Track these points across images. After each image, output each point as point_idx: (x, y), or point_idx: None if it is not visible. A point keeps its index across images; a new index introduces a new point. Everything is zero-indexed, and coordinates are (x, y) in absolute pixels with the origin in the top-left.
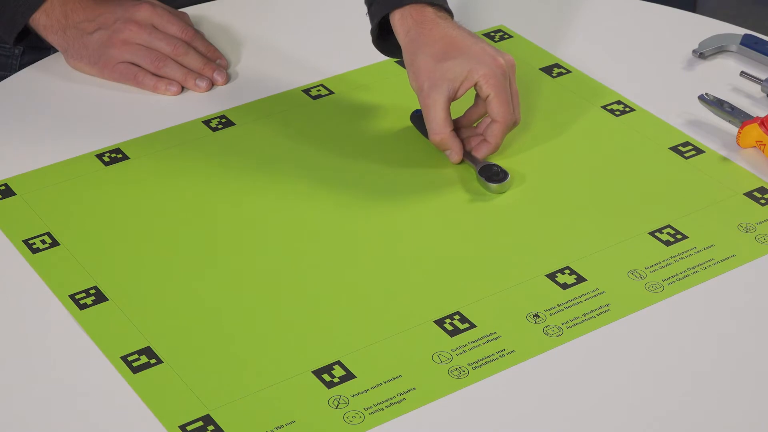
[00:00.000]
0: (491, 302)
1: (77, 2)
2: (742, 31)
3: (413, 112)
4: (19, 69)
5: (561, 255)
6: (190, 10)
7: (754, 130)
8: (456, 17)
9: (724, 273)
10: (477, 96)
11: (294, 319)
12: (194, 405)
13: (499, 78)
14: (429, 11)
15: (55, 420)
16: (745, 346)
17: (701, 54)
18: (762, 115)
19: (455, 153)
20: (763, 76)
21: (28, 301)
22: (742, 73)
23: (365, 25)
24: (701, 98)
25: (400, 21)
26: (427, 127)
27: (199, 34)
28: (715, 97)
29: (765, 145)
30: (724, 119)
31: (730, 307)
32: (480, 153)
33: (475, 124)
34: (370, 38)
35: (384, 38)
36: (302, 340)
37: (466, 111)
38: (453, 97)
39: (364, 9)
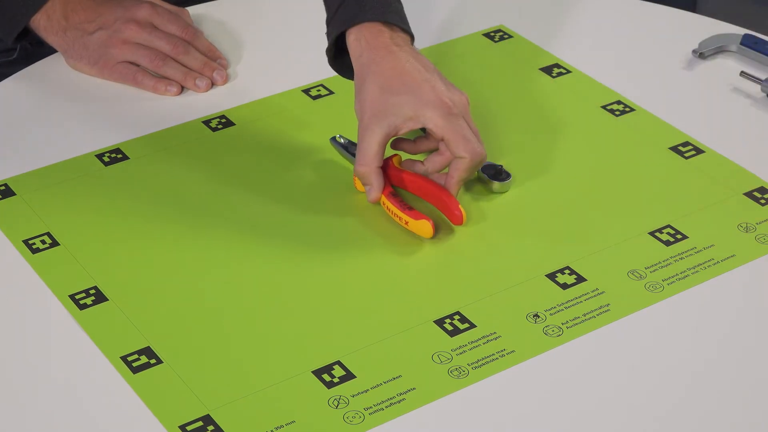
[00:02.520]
0: (491, 302)
1: (78, 3)
2: (742, 31)
3: (332, 138)
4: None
5: (561, 255)
6: (191, 10)
7: None
8: (456, 17)
9: (724, 273)
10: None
11: (294, 319)
12: (194, 405)
13: (448, 119)
14: (385, 35)
15: (55, 420)
16: (745, 346)
17: (701, 54)
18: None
19: (374, 190)
20: (763, 76)
21: (28, 301)
22: (742, 73)
23: None
24: (332, 141)
25: (354, 43)
26: (356, 156)
27: (199, 33)
28: (347, 140)
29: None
30: (349, 161)
31: (730, 307)
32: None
33: (421, 158)
34: None
35: (341, 58)
36: (302, 340)
37: (416, 139)
38: (392, 134)
39: None
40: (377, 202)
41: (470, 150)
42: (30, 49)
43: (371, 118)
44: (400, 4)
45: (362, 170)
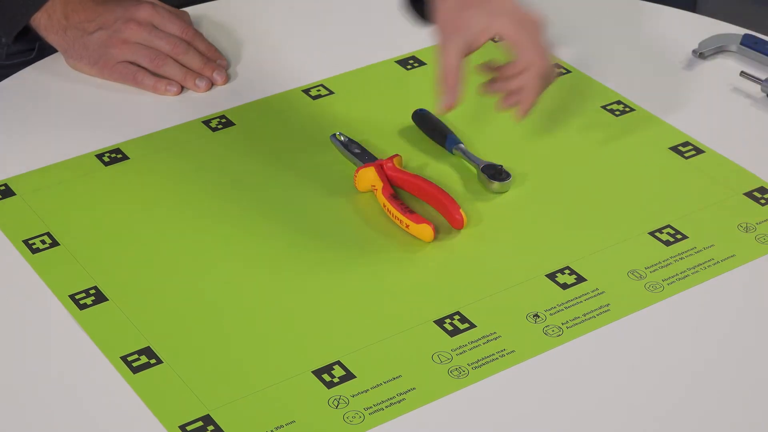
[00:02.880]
0: (491, 302)
1: (78, 3)
2: (742, 31)
3: (414, 111)
4: (6, 58)
5: (561, 255)
6: (191, 10)
7: (369, 173)
8: None
9: (724, 273)
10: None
11: (294, 319)
12: (194, 405)
13: (520, 26)
14: None
15: (55, 420)
16: (745, 346)
17: (701, 54)
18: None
19: (451, 96)
20: (763, 76)
21: (28, 301)
22: (742, 73)
23: (365, 26)
24: (332, 138)
25: None
26: (438, 71)
27: (199, 33)
28: (348, 138)
29: (377, 189)
30: (349, 160)
31: (730, 307)
32: (519, 111)
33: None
34: (370, 39)
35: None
36: (302, 340)
37: (503, 66)
38: (469, 48)
39: (362, 10)
40: (448, 111)
41: (540, 55)
42: (48, 46)
43: (448, 35)
44: None
45: (443, 72)
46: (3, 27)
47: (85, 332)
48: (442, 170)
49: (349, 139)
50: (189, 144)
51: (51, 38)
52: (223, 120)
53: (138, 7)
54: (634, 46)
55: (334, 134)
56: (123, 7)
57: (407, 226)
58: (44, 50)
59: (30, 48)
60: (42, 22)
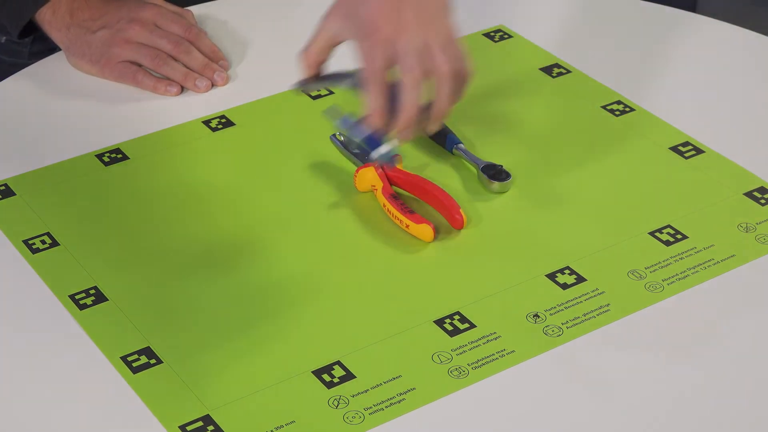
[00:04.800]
0: (491, 302)
1: (83, 1)
2: (741, 31)
3: (332, 135)
4: (29, 57)
5: (561, 255)
6: (195, 9)
7: (369, 173)
8: (456, 17)
9: (724, 273)
10: None
11: (294, 319)
12: (194, 405)
13: (364, 41)
14: None
15: (55, 420)
16: (745, 346)
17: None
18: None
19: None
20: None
21: (28, 301)
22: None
23: None
24: (332, 138)
25: None
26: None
27: (202, 33)
28: (347, 138)
29: (377, 189)
30: (349, 160)
31: (729, 307)
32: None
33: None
34: None
35: None
36: (302, 340)
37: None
38: (336, 40)
39: None
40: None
41: (365, 70)
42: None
43: (331, 13)
44: None
45: (303, 56)
46: (9, 21)
47: (85, 332)
48: (442, 170)
49: (349, 139)
50: (189, 144)
51: (54, 35)
52: (223, 120)
53: (142, 7)
54: (634, 46)
55: (334, 134)
56: (127, 6)
57: (407, 226)
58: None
59: (52, 48)
60: (46, 17)
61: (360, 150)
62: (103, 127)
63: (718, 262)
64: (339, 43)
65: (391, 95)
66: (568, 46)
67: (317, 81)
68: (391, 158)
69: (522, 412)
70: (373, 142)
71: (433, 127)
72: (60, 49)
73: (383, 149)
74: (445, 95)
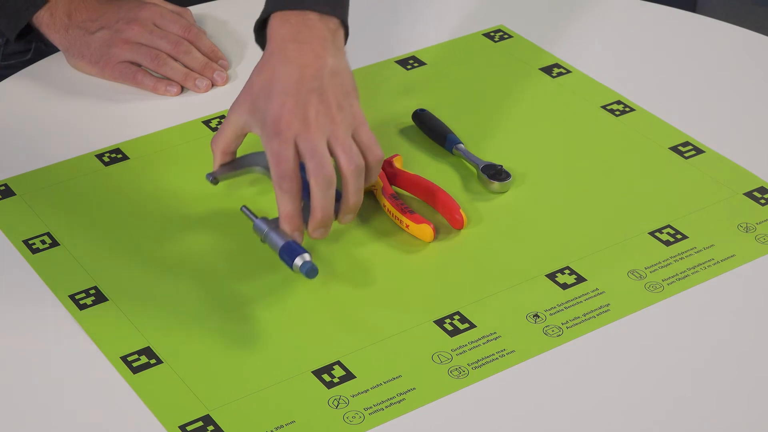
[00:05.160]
0: (491, 302)
1: (81, 2)
2: (741, 31)
3: (414, 111)
4: (2, 59)
5: (561, 255)
6: (193, 9)
7: None
8: (456, 17)
9: (724, 273)
10: None
11: (294, 319)
12: (194, 405)
13: (269, 138)
14: (317, 25)
15: (55, 420)
16: (745, 346)
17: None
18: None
19: (214, 164)
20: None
21: (28, 301)
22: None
23: (365, 26)
24: None
25: (278, 22)
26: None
27: (201, 32)
28: None
29: (377, 189)
30: None
31: (729, 306)
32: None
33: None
34: (370, 39)
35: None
36: (302, 340)
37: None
38: (244, 131)
39: (362, 10)
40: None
41: (273, 173)
42: (43, 50)
43: (238, 104)
44: None
45: (212, 144)
46: (6, 24)
47: (85, 332)
48: (442, 170)
49: None
50: (189, 144)
51: (53, 37)
52: (223, 120)
53: (141, 7)
54: (634, 46)
55: None
56: (126, 7)
57: (407, 226)
58: (41, 51)
59: (27, 49)
60: (45, 19)
61: None
62: (103, 127)
63: (718, 262)
64: (247, 133)
65: (305, 189)
66: (568, 46)
67: (230, 168)
68: (311, 268)
69: (522, 412)
70: (291, 250)
71: (345, 221)
72: (45, 48)
73: (299, 261)
74: (351, 192)
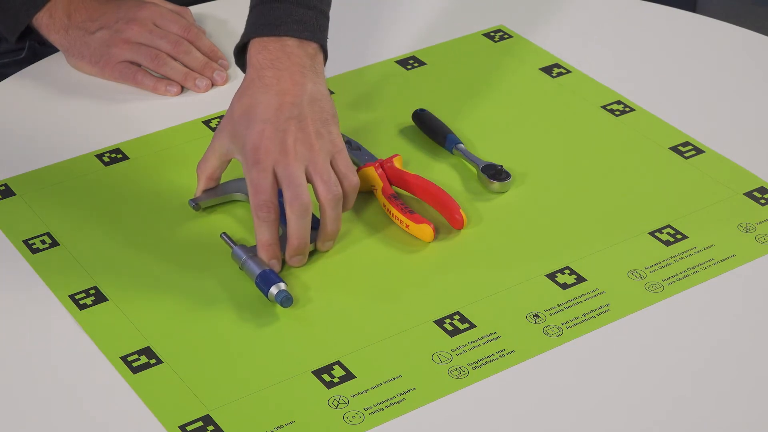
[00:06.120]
0: (491, 302)
1: (80, 2)
2: (741, 31)
3: (414, 111)
4: None
5: (561, 255)
6: (193, 9)
7: (369, 173)
8: (456, 17)
9: (724, 273)
10: None
11: (294, 319)
12: (194, 405)
13: (248, 167)
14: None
15: (55, 420)
16: (745, 346)
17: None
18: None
19: (197, 190)
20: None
21: (28, 301)
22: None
23: (365, 26)
24: None
25: (257, 49)
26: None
27: (201, 32)
28: (347, 138)
29: (377, 189)
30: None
31: (729, 307)
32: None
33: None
34: (370, 39)
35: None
36: (302, 340)
37: None
38: (227, 157)
39: (362, 10)
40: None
41: (252, 202)
42: (38, 48)
43: (220, 130)
44: (320, 18)
45: (197, 170)
46: (6, 27)
47: (85, 332)
48: (442, 170)
49: (349, 139)
50: (189, 144)
51: (53, 38)
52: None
53: (140, 7)
54: (634, 46)
55: None
56: (125, 6)
57: (407, 226)
58: (35, 50)
59: (20, 48)
60: (44, 20)
61: (360, 150)
62: (103, 127)
63: (718, 262)
64: (230, 159)
65: (283, 215)
66: (568, 46)
67: (213, 194)
68: (285, 297)
69: (522, 412)
70: (267, 279)
71: (325, 248)
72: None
73: (275, 290)
74: (329, 221)
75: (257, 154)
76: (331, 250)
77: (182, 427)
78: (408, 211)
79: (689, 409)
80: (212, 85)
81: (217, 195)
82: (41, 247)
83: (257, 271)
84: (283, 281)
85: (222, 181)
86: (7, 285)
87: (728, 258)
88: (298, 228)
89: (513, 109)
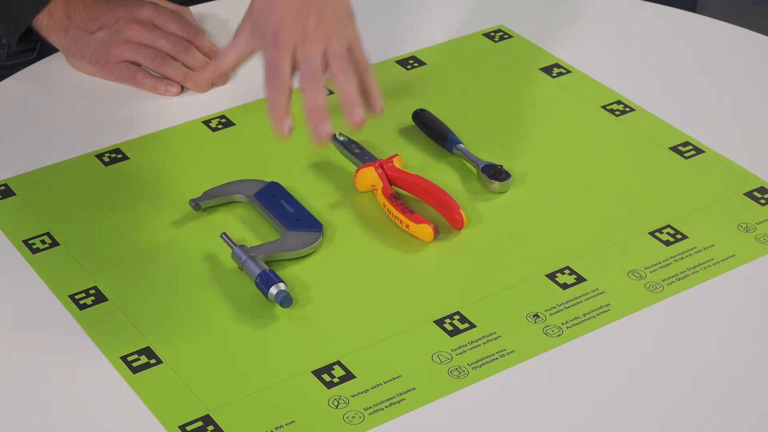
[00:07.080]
0: (491, 302)
1: (80, 3)
2: (741, 31)
3: (414, 111)
4: (7, 59)
5: (561, 255)
6: (193, 9)
7: (369, 173)
8: (456, 17)
9: (724, 273)
10: None
11: (294, 319)
12: (194, 405)
13: (269, 49)
14: None
15: (55, 420)
16: (745, 346)
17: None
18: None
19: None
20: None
21: (28, 301)
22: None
23: (365, 26)
24: (332, 138)
25: None
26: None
27: (201, 32)
28: (347, 138)
29: (377, 189)
30: (349, 160)
31: (729, 307)
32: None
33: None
34: (370, 39)
35: None
36: (302, 340)
37: None
38: (253, 48)
39: (362, 10)
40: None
41: (267, 82)
42: (48, 47)
43: (241, 27)
44: None
45: (213, 63)
46: (6, 29)
47: (85, 332)
48: (442, 170)
49: (349, 139)
50: (189, 144)
51: (53, 38)
52: (223, 120)
53: (140, 7)
54: (634, 46)
55: (334, 134)
56: (125, 6)
57: (407, 226)
58: (45, 51)
59: (31, 48)
60: (44, 22)
61: (360, 150)
62: (103, 127)
63: (718, 262)
64: (250, 53)
65: None
66: (568, 46)
67: (213, 195)
68: (285, 298)
69: (522, 412)
70: (267, 279)
71: (353, 117)
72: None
73: (274, 290)
74: (343, 88)
75: (277, 37)
76: (331, 250)
77: (182, 427)
78: (408, 211)
79: (689, 409)
80: (212, 84)
81: (218, 196)
82: (41, 247)
83: (257, 271)
84: (282, 281)
85: (222, 182)
86: (7, 285)
87: (728, 258)
88: (310, 97)
89: (513, 109)
